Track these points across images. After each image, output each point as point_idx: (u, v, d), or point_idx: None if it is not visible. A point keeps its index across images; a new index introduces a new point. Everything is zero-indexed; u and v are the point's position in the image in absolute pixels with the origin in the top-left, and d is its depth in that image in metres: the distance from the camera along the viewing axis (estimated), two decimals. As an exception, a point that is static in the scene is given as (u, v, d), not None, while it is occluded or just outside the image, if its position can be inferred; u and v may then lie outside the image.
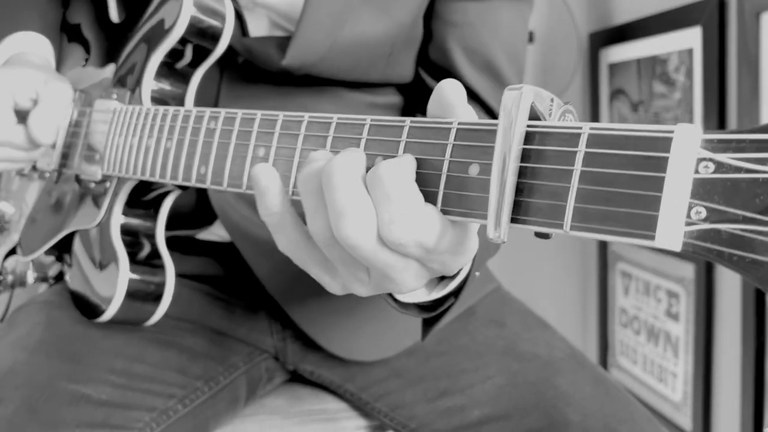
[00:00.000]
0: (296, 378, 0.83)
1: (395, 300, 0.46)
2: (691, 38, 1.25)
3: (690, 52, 1.25)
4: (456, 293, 0.46)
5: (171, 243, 0.67)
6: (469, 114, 0.38)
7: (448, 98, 0.37)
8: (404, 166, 0.37)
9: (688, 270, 1.32)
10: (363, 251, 0.36)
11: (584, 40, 1.59)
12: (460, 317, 0.74)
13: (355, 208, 0.36)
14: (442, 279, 0.47)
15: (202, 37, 0.63)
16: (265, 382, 0.78)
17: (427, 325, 0.52)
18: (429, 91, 0.72)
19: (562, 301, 1.72)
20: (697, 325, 1.30)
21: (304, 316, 0.71)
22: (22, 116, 0.66)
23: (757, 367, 1.14)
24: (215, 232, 0.74)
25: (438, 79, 0.70)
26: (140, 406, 0.64)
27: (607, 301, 1.61)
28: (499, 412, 0.66)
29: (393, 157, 0.38)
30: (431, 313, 0.48)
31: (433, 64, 0.72)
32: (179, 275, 0.73)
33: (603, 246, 1.61)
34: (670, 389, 1.40)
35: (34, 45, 0.74)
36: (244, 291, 0.77)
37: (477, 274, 0.49)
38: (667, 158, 0.29)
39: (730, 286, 1.23)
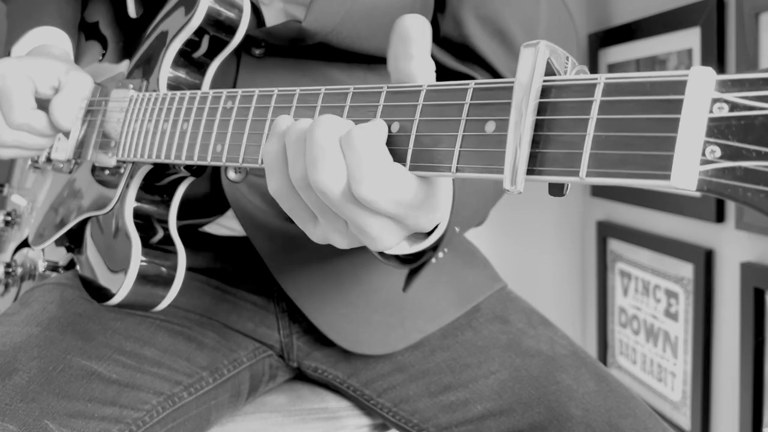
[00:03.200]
0: (298, 377, 0.83)
1: (380, 252, 0.50)
2: (690, 39, 1.25)
3: (689, 52, 1.26)
4: (435, 248, 0.51)
5: (183, 237, 0.68)
6: (426, 59, 0.40)
7: (409, 31, 0.39)
8: (375, 129, 0.40)
9: (687, 270, 1.32)
10: (332, 198, 0.40)
11: (583, 41, 1.59)
12: (465, 313, 0.75)
13: (328, 157, 0.39)
14: (428, 234, 0.51)
15: (218, 27, 0.64)
16: (268, 379, 0.78)
17: (411, 276, 0.56)
18: (442, 72, 0.73)
19: (562, 301, 1.72)
20: (696, 324, 1.30)
21: (313, 308, 0.72)
22: (42, 104, 0.68)
23: (756, 367, 1.14)
24: (227, 225, 0.75)
25: (453, 55, 0.70)
26: (148, 389, 0.65)
27: (607, 300, 1.62)
28: (502, 407, 0.66)
29: (411, 121, 0.40)
30: (411, 265, 0.53)
31: (446, 40, 0.72)
32: (190, 269, 0.73)
33: (602, 246, 1.61)
34: (669, 389, 1.40)
35: (54, 39, 0.76)
36: (254, 286, 0.78)
37: (457, 229, 0.52)
38: (681, 100, 0.30)
39: (728, 285, 1.23)
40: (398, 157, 0.40)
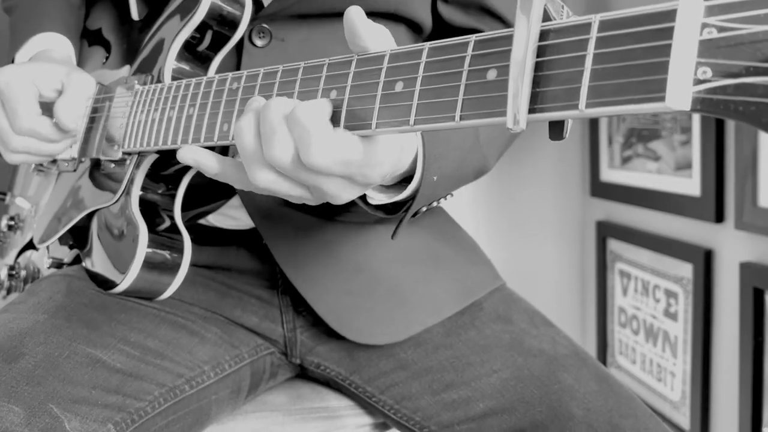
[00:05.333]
0: (299, 376, 0.83)
1: (367, 204, 0.56)
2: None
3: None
4: (414, 197, 0.56)
5: (189, 232, 0.69)
6: (372, 29, 0.45)
7: (353, 18, 0.44)
8: (318, 106, 0.44)
9: (686, 270, 1.32)
10: (286, 170, 0.45)
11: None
12: (467, 311, 0.75)
13: (279, 134, 0.45)
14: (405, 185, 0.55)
15: (221, 22, 0.66)
16: (269, 377, 0.79)
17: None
18: (453, 30, 0.73)
19: (562, 301, 1.72)
20: (695, 324, 1.30)
21: (316, 297, 0.72)
22: (46, 108, 0.69)
23: (755, 367, 1.15)
24: (232, 215, 0.75)
25: (465, 12, 0.71)
26: (151, 380, 0.65)
27: (606, 300, 1.62)
28: (504, 405, 0.66)
29: (415, 78, 0.42)
30: (397, 215, 0.58)
31: (460, 3, 0.72)
32: (195, 265, 0.74)
33: (602, 246, 1.62)
34: (669, 388, 1.40)
35: (56, 43, 0.77)
36: (259, 280, 0.78)
37: (435, 178, 0.55)
38: (672, 27, 0.31)
39: (728, 285, 1.23)
40: (403, 113, 0.42)
